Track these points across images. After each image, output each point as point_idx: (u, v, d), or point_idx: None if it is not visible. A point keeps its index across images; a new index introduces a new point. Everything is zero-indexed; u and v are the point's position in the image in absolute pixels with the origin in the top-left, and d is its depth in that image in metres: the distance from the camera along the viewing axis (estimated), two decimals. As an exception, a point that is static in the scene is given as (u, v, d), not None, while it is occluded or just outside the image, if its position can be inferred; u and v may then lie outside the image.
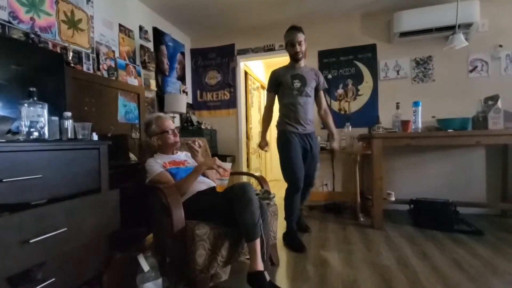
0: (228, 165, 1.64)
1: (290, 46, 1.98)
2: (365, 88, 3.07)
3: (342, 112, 3.14)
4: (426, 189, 2.81)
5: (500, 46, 2.66)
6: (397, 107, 2.48)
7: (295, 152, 1.95)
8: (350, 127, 2.91)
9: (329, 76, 3.13)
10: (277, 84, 2.05)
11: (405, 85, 2.95)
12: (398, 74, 2.96)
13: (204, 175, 1.70)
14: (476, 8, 2.52)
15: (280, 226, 1.81)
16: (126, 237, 1.55)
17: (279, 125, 2.08)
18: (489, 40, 2.70)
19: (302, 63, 2.05)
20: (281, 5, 2.84)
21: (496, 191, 2.69)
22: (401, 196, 2.72)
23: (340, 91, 3.15)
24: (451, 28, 2.51)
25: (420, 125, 2.32)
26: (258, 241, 1.27)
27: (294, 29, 1.95)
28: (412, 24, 2.67)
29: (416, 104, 2.33)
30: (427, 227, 2.29)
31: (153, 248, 1.62)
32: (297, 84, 1.99)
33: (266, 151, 2.20)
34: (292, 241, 1.98)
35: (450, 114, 2.59)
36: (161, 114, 1.75)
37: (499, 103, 2.11)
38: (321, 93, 2.15)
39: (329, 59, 3.17)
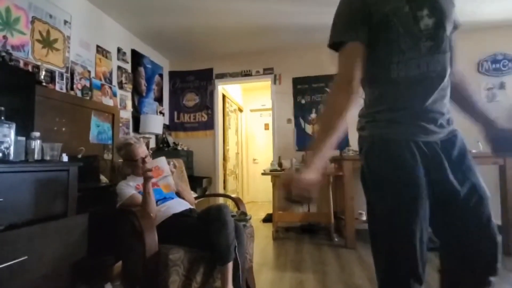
0: (156, 162, 1.36)
1: None
2: (336, 113, 3.28)
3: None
4: (394, 208, 2.97)
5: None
6: (365, 132, 2.68)
7: (415, 202, 0.69)
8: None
9: (303, 101, 3.32)
10: (369, 19, 0.72)
11: (371, 111, 3.21)
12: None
13: (180, 196, 1.67)
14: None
15: (256, 248, 1.80)
16: (91, 267, 1.45)
17: (369, 127, 0.79)
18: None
19: None
20: (257, 35, 3.04)
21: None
22: (371, 216, 2.85)
23: (313, 115, 3.34)
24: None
25: (385, 148, 2.51)
26: (230, 265, 1.26)
27: None
28: (374, 57, 2.97)
29: (381, 129, 2.54)
30: (396, 246, 2.40)
31: (121, 277, 1.52)
32: (427, 20, 0.71)
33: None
34: None
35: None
36: (132, 140, 1.62)
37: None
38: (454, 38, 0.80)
39: (302, 86, 3.39)
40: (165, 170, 1.40)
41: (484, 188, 0.72)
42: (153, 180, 1.38)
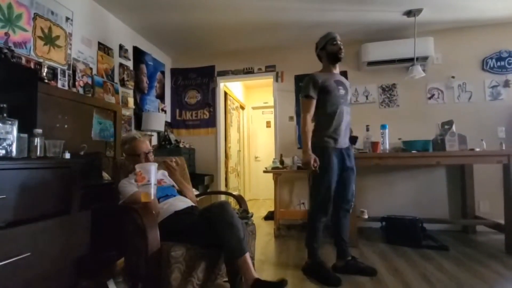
0: (142, 167, 1.27)
1: (332, 45, 1.79)
2: (338, 111, 3.26)
3: (318, 133, 3.29)
4: (396, 206, 2.96)
5: (453, 77, 3.01)
6: (367, 129, 2.66)
7: (333, 174, 1.72)
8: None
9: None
10: (319, 89, 1.74)
11: (373, 109, 3.19)
12: (367, 99, 3.21)
13: (181, 193, 1.68)
14: (430, 43, 2.86)
15: (258, 245, 1.80)
16: (94, 263, 1.46)
17: (316, 139, 1.75)
18: (443, 72, 3.04)
19: (337, 69, 1.88)
20: (259, 32, 3.02)
21: (457, 208, 2.90)
22: (373, 214, 2.84)
23: (315, 113, 3.32)
24: (411, 60, 2.81)
25: (387, 146, 2.50)
26: (248, 255, 1.25)
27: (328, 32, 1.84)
28: (377, 55, 2.95)
29: (383, 127, 2.52)
30: (398, 244, 2.40)
31: (124, 273, 1.53)
32: (341, 91, 1.77)
33: (316, 168, 1.69)
34: (320, 273, 1.73)
35: (413, 136, 2.81)
36: (137, 135, 1.68)
37: (454, 128, 2.35)
38: None
39: (304, 83, 3.36)
40: (149, 178, 1.25)
41: (354, 170, 1.84)
42: (146, 188, 1.26)
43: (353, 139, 1.96)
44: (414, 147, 2.45)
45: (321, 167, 1.71)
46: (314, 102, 1.76)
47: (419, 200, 2.97)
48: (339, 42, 1.79)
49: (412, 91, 3.10)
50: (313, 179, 1.77)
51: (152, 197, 1.29)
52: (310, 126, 1.75)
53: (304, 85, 1.78)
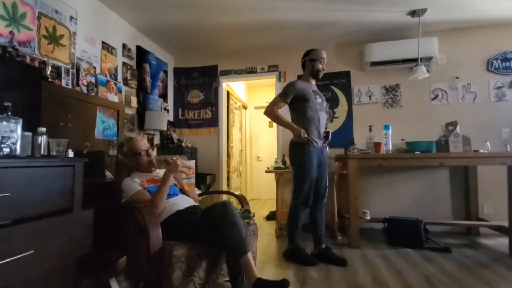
0: (191, 162, 1.61)
1: (320, 63, 2.10)
2: (341, 111, 3.26)
3: (320, 133, 3.28)
4: (398, 207, 2.94)
5: (457, 78, 2.98)
6: (370, 130, 2.65)
7: (313, 169, 1.99)
8: (327, 147, 3.03)
9: (308, 99, 3.29)
10: (297, 97, 2.04)
11: (376, 110, 3.17)
12: (370, 99, 3.19)
13: (184, 192, 1.68)
14: (434, 44, 2.84)
15: (259, 245, 1.80)
16: (96, 262, 1.46)
17: (296, 139, 2.04)
18: (447, 72, 3.02)
19: (314, 82, 2.20)
20: (262, 32, 3.01)
21: (460, 210, 2.88)
22: (375, 215, 2.83)
23: (318, 113, 3.31)
24: (415, 60, 2.79)
25: (390, 147, 2.48)
26: (250, 254, 1.25)
27: (321, 49, 2.13)
28: (381, 55, 2.93)
29: (386, 127, 2.51)
30: (400, 245, 2.38)
31: (126, 272, 1.54)
32: (318, 99, 2.09)
33: (306, 138, 1.96)
34: (299, 256, 2.03)
35: (417, 137, 2.79)
36: (133, 135, 1.69)
37: (458, 129, 2.33)
38: None
39: (307, 83, 3.35)
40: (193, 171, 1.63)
41: (326, 162, 2.14)
42: (184, 177, 1.57)
43: (325, 136, 2.13)
44: (417, 148, 2.43)
45: (301, 164, 1.99)
46: (283, 104, 2.08)
47: (422, 201, 2.95)
48: (324, 64, 2.12)
49: (416, 92, 3.08)
50: (296, 174, 2.04)
51: (193, 187, 1.63)
52: (278, 112, 2.07)
53: (284, 88, 2.09)
